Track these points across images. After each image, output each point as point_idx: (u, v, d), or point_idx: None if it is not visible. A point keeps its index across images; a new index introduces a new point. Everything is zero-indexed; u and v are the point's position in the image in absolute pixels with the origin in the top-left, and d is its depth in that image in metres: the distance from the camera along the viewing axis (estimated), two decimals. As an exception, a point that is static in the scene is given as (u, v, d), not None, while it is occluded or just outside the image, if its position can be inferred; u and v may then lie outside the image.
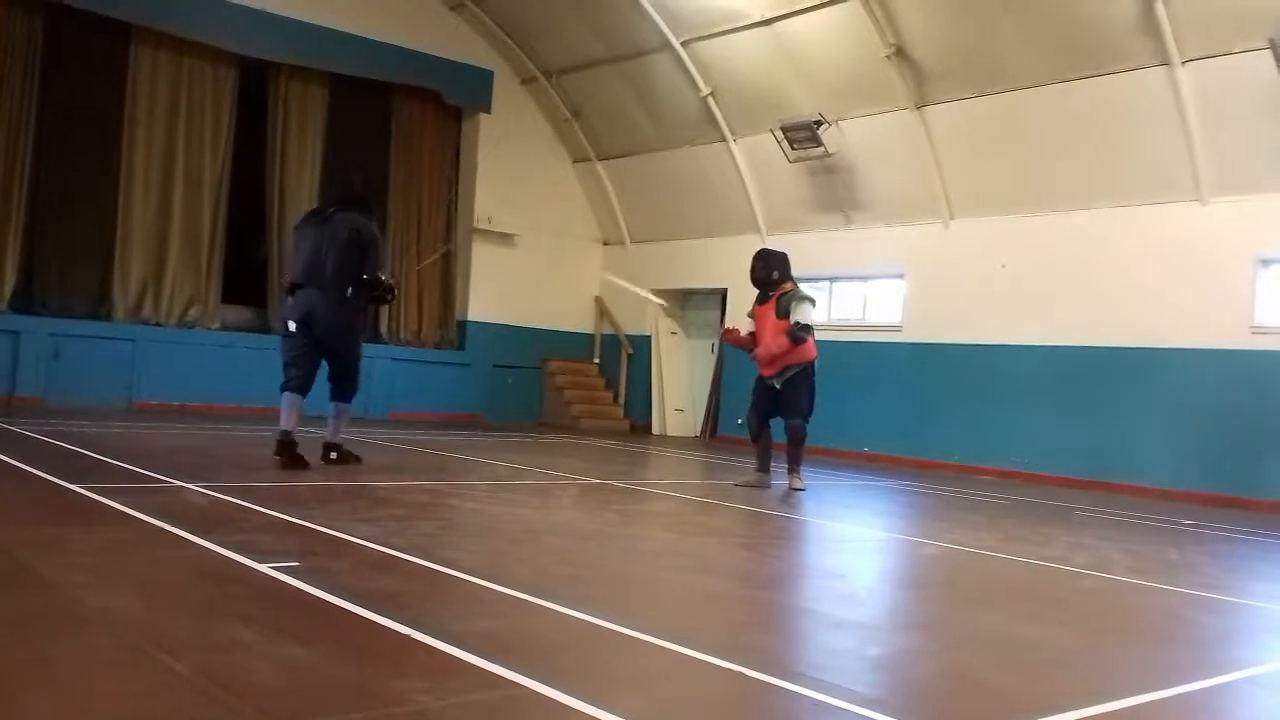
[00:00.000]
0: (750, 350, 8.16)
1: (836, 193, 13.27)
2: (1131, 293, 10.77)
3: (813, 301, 8.21)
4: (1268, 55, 9.18)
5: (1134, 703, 2.92)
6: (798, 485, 8.02)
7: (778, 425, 8.18)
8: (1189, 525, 7.90)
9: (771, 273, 8.21)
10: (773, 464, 8.29)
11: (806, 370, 8.00)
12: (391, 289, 7.63)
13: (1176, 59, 9.87)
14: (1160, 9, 9.70)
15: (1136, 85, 10.27)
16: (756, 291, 8.34)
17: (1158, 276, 10.60)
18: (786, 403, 8.02)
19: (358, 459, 7.60)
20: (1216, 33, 9.61)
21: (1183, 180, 10.36)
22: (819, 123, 12.57)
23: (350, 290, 7.23)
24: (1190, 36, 9.77)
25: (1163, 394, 10.50)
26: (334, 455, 7.43)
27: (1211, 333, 10.20)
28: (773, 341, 7.96)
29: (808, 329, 7.95)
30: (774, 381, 8.03)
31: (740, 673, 2.87)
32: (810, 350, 8.00)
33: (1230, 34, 9.54)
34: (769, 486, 8.12)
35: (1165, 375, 10.49)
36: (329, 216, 7.40)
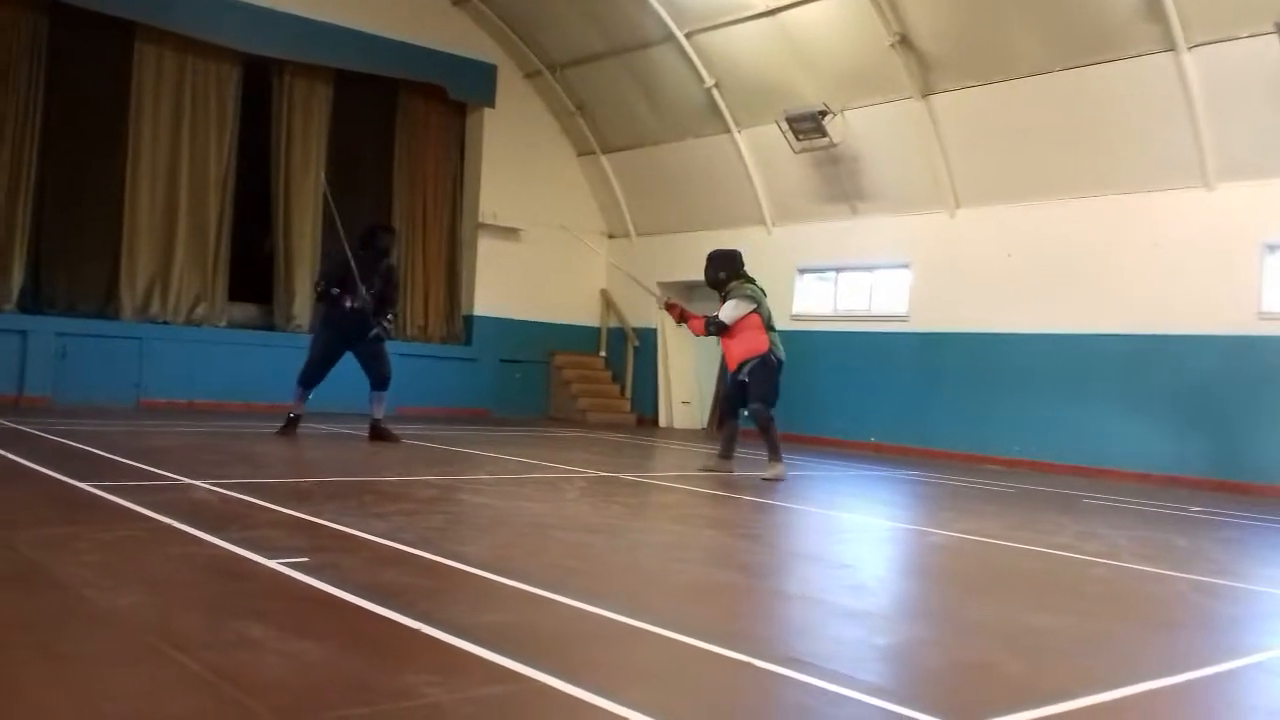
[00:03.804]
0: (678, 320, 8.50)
1: (842, 183, 13.23)
2: (1138, 280, 10.73)
3: (749, 298, 8.08)
4: (1274, 40, 9.13)
5: (1144, 689, 2.92)
6: (766, 474, 7.95)
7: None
8: (1197, 512, 7.89)
9: (718, 273, 8.28)
10: (737, 451, 8.49)
11: (764, 360, 8.05)
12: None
13: (1182, 45, 9.82)
14: (1165, -6, 9.65)
15: (1142, 72, 10.22)
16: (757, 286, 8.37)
17: (1164, 263, 10.55)
18: (750, 392, 8.13)
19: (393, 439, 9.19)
20: (1222, 18, 9.56)
21: (1189, 167, 10.32)
22: (824, 113, 12.52)
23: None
24: (1196, 22, 9.71)
25: (1170, 381, 10.46)
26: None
27: (1219, 319, 10.16)
28: (728, 342, 8.15)
29: (714, 322, 8.10)
30: (741, 375, 8.16)
31: (750, 663, 2.87)
32: (759, 344, 8.04)
33: (1236, 19, 9.48)
34: (731, 472, 8.27)
35: (1172, 362, 10.45)
36: None
